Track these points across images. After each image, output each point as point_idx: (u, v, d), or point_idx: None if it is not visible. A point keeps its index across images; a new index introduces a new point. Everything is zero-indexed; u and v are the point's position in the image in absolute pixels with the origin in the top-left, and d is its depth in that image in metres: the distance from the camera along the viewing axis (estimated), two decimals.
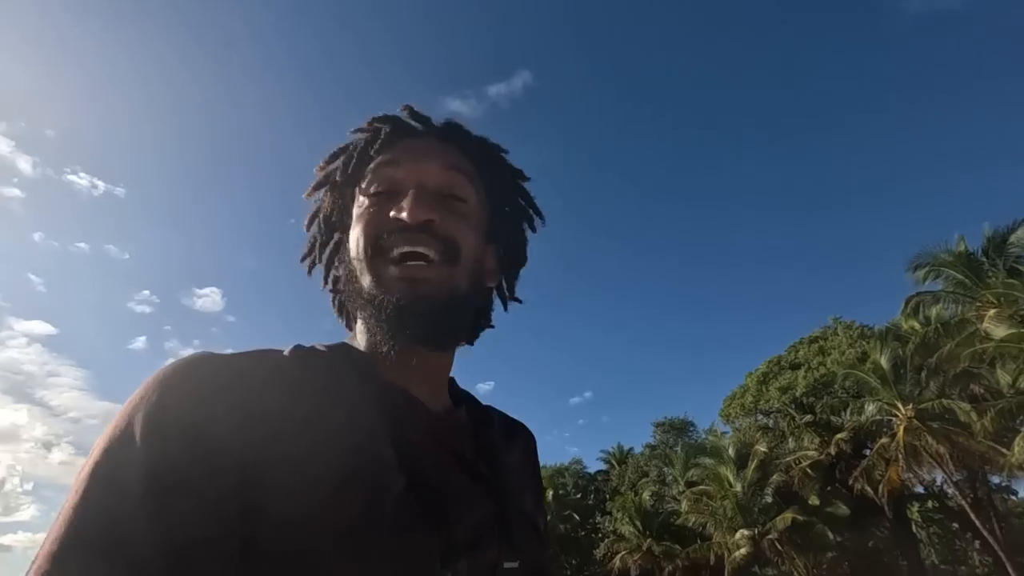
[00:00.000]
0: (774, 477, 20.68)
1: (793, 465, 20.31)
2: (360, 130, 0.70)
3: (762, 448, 21.52)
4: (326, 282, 0.73)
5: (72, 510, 0.42)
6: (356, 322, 0.66)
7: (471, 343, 0.75)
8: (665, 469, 28.91)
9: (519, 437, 0.77)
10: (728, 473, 22.10)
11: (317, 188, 0.72)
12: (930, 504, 23.58)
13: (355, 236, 0.63)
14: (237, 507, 0.44)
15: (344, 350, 0.63)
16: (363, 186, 0.66)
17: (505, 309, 0.77)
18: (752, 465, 21.30)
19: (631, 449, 35.24)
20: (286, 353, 0.57)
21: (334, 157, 0.71)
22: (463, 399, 0.72)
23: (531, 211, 0.76)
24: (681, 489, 25.01)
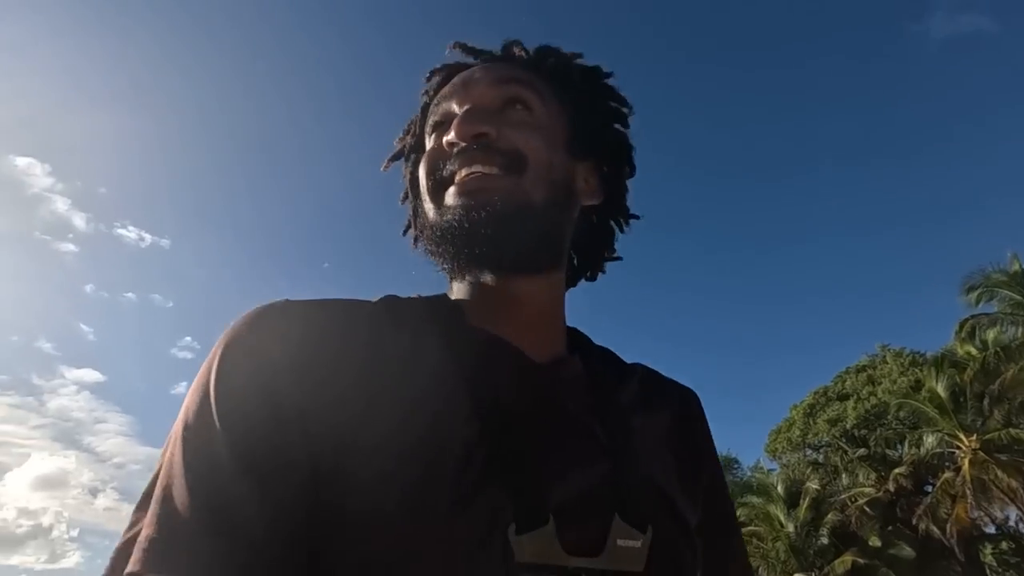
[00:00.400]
0: (829, 516, 19.49)
1: (849, 503, 19.12)
2: (426, 91, 0.69)
3: (814, 485, 20.40)
4: (416, 245, 0.68)
5: (170, 486, 0.42)
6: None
7: (592, 276, 0.70)
8: None
9: (672, 401, 0.65)
10: (779, 512, 20.95)
11: (394, 159, 0.71)
12: (1004, 545, 21.81)
13: (421, 178, 0.61)
14: (311, 473, 0.43)
15: (438, 299, 0.60)
16: (428, 134, 0.64)
17: (621, 230, 0.70)
18: (804, 504, 20.16)
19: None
20: (374, 302, 0.56)
21: (409, 127, 0.70)
22: (590, 351, 0.63)
23: (617, 104, 0.68)
24: None
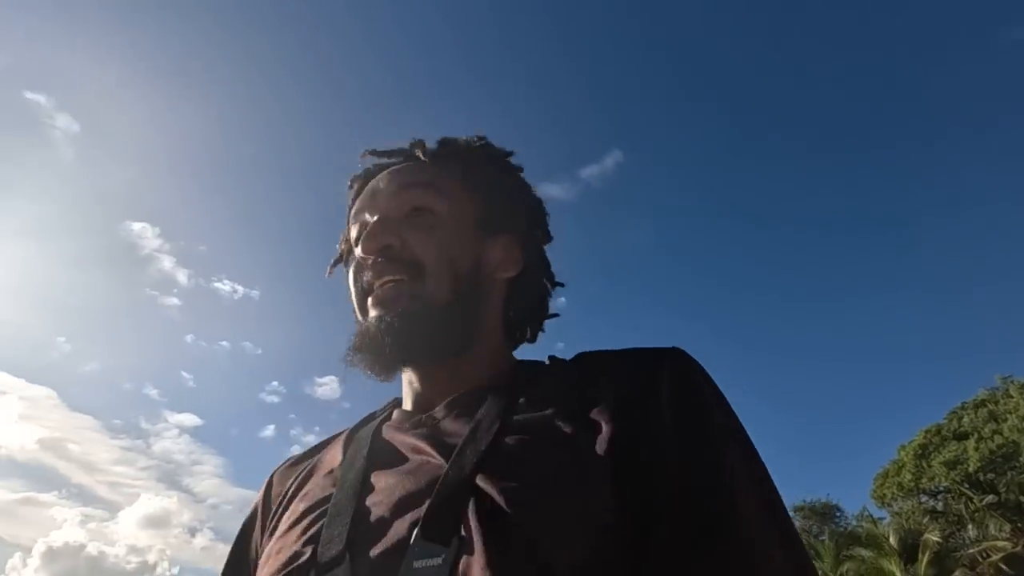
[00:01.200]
0: (956, 574, 17.15)
1: (980, 559, 16.78)
2: (351, 184, 0.75)
3: (934, 537, 18.05)
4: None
5: None
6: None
7: (531, 337, 0.74)
8: (816, 563, 25.12)
9: (606, 377, 0.56)
10: (894, 568, 18.64)
11: (335, 265, 0.76)
12: None
13: (350, 286, 0.68)
14: None
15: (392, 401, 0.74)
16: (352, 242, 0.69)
17: (547, 293, 0.74)
18: (924, 559, 17.85)
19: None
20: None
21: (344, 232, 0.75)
22: (519, 378, 0.63)
23: (502, 164, 0.73)
24: None
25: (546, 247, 0.75)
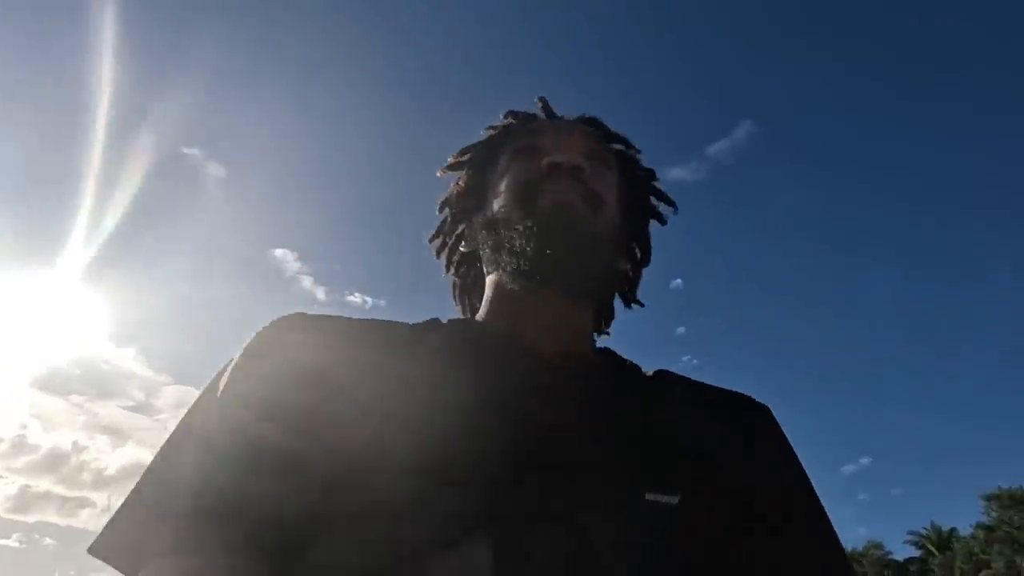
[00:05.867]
0: None
1: None
2: (493, 126, 0.74)
3: None
4: (449, 266, 0.74)
5: (174, 465, 0.46)
6: (480, 302, 0.65)
7: (607, 323, 0.72)
8: (1018, 559, 21.61)
9: (727, 409, 0.60)
10: None
11: (453, 168, 0.74)
12: None
13: (503, 187, 0.64)
14: (308, 476, 0.43)
15: (468, 321, 0.66)
16: (505, 157, 0.68)
17: (627, 306, 0.73)
18: None
19: (953, 530, 27.57)
20: (411, 324, 0.59)
21: (470, 147, 0.74)
22: (621, 365, 0.63)
23: (662, 204, 0.74)
24: None
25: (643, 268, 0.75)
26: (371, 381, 0.48)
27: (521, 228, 0.58)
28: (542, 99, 0.75)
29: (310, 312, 0.54)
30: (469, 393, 0.48)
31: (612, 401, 0.55)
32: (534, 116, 0.73)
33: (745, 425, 0.59)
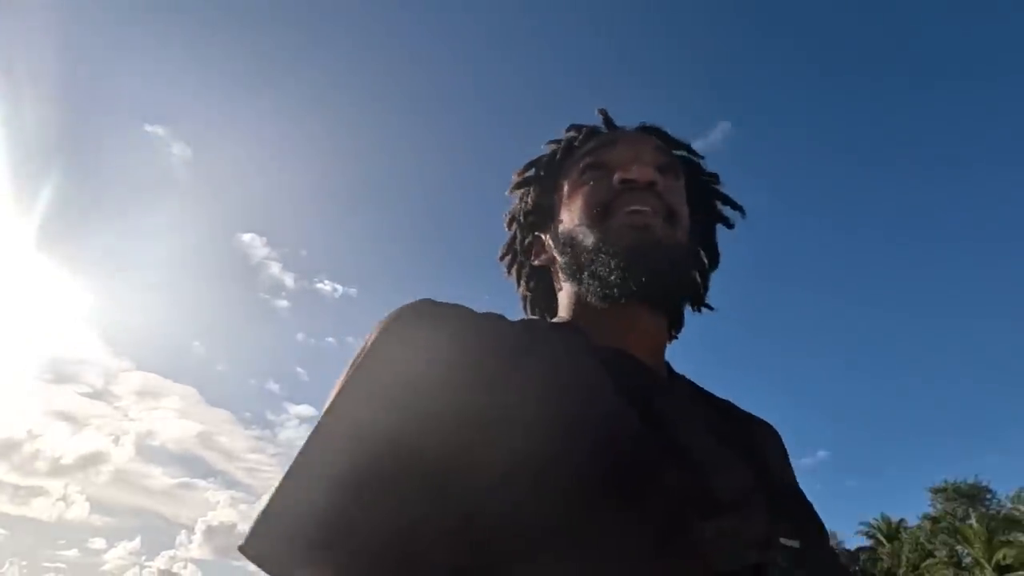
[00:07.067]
0: None
1: None
2: (555, 141, 0.74)
3: None
4: (520, 280, 0.75)
5: (304, 466, 0.42)
6: (551, 313, 0.69)
7: (677, 331, 0.71)
8: (959, 548, 22.83)
9: (759, 430, 0.68)
10: None
11: (519, 187, 0.75)
12: None
13: (576, 205, 0.64)
14: (460, 474, 0.40)
15: (561, 322, 0.64)
16: (574, 172, 0.67)
17: (696, 310, 0.73)
18: None
19: (902, 521, 28.87)
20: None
21: (534, 162, 0.74)
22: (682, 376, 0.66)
23: (728, 207, 0.74)
24: (989, 575, 19.32)
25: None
26: (513, 387, 0.44)
27: (602, 253, 0.58)
28: (603, 111, 0.74)
29: (437, 301, 0.51)
30: (617, 407, 0.46)
31: (720, 425, 0.57)
32: (596, 129, 0.73)
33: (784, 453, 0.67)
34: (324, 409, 0.45)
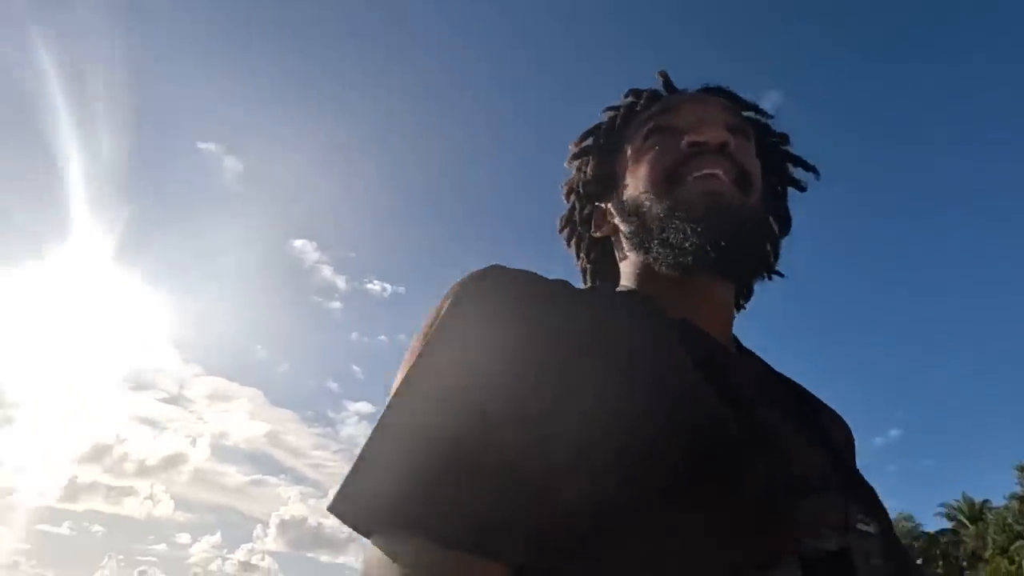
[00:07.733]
0: None
1: None
2: (613, 107, 0.69)
3: None
4: (579, 252, 0.72)
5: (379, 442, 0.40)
6: (613, 285, 0.65)
7: (747, 300, 0.70)
8: None
9: (828, 415, 0.64)
10: None
11: (577, 157, 0.71)
12: None
13: (641, 172, 0.61)
14: (536, 457, 0.37)
15: (629, 292, 0.60)
16: (637, 138, 0.64)
17: (768, 279, 0.69)
18: None
19: (986, 501, 27.24)
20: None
21: (592, 131, 0.71)
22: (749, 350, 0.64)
23: (800, 169, 0.70)
24: None
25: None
26: (589, 365, 0.41)
27: (675, 219, 0.55)
28: (663, 73, 0.70)
29: (508, 268, 0.47)
30: (699, 386, 0.44)
31: (794, 405, 0.56)
32: (657, 92, 0.68)
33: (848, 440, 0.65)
34: (399, 383, 0.42)
